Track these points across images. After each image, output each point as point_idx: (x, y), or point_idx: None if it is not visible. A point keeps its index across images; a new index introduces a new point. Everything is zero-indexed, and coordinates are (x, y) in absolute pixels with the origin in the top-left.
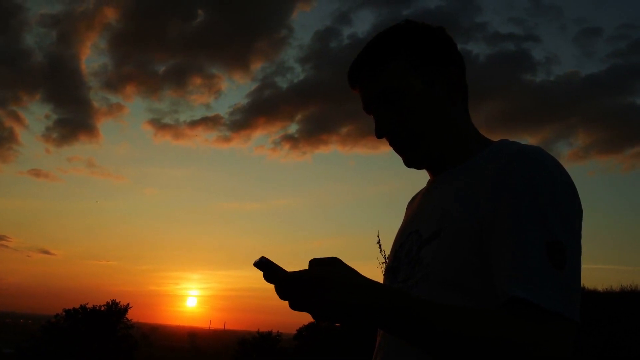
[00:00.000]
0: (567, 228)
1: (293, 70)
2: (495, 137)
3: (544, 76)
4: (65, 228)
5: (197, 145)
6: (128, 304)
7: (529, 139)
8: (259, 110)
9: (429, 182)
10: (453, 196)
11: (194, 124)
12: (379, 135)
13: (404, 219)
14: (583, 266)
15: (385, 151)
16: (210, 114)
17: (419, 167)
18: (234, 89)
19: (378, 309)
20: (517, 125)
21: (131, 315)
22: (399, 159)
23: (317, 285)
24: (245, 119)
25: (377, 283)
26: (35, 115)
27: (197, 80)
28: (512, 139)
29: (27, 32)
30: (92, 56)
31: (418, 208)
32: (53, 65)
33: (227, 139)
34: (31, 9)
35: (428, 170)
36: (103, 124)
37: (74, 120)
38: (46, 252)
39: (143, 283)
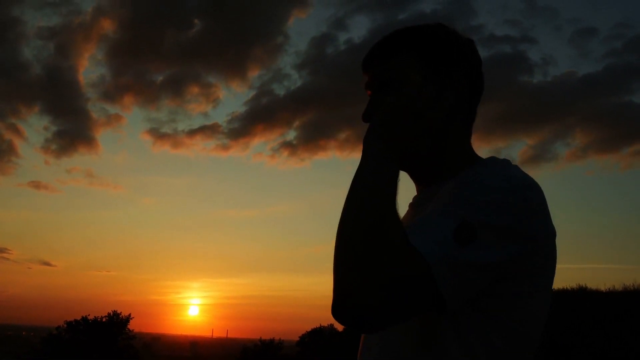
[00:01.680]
0: (495, 220)
1: (290, 77)
2: (492, 140)
3: (541, 77)
4: (65, 239)
5: (196, 153)
6: (129, 315)
7: (527, 140)
8: (257, 118)
9: (414, 197)
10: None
11: (192, 132)
12: (365, 118)
13: None
14: (585, 266)
15: None
16: (208, 122)
17: None
18: (232, 97)
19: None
20: (515, 127)
21: (133, 325)
22: None
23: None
24: (244, 126)
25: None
26: (34, 127)
27: (195, 89)
28: (510, 140)
29: (24, 45)
30: (90, 67)
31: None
32: (51, 77)
33: (225, 147)
34: (29, 22)
35: (411, 177)
36: (102, 135)
37: (73, 131)
38: (47, 263)
39: (144, 292)
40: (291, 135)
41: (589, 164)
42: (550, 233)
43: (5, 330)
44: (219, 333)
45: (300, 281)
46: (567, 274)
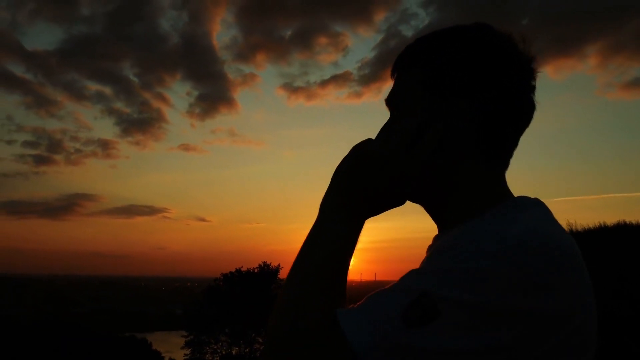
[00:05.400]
0: (468, 295)
1: (417, 16)
2: None
3: None
4: (216, 196)
5: (330, 103)
6: (279, 265)
7: None
8: (386, 62)
9: (434, 238)
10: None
11: (324, 83)
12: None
13: None
14: None
15: None
16: (339, 71)
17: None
18: (360, 43)
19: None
20: None
21: (284, 272)
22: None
23: None
24: (374, 72)
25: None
26: (178, 94)
27: (323, 40)
28: None
29: (161, 17)
30: (222, 31)
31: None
32: (188, 45)
33: (358, 94)
34: None
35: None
36: (239, 94)
37: (213, 94)
38: (202, 219)
39: (292, 241)
40: None
41: None
42: (574, 309)
43: (173, 282)
44: (367, 276)
45: None
46: None
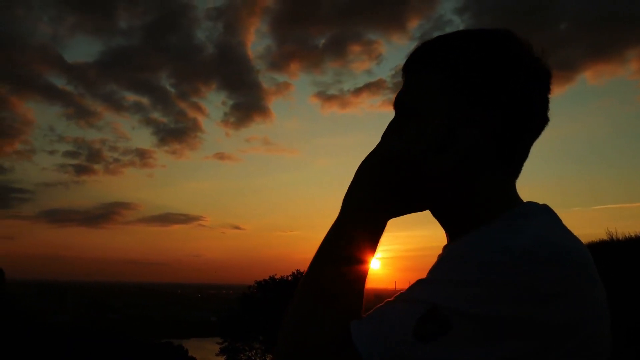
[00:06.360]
0: (481, 307)
1: (452, 22)
2: None
3: None
4: (250, 204)
5: (364, 111)
6: None
7: None
8: None
9: (444, 247)
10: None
11: (358, 91)
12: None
13: None
14: None
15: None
16: (373, 79)
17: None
18: (394, 51)
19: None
20: None
21: None
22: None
23: None
24: None
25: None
26: (213, 104)
27: (357, 48)
28: None
29: (197, 28)
30: (256, 40)
31: None
32: (223, 55)
33: (391, 102)
34: (198, 6)
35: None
36: (273, 103)
37: (248, 103)
38: (237, 227)
39: None
40: None
41: None
42: (585, 318)
43: (208, 289)
44: (401, 285)
45: None
46: None
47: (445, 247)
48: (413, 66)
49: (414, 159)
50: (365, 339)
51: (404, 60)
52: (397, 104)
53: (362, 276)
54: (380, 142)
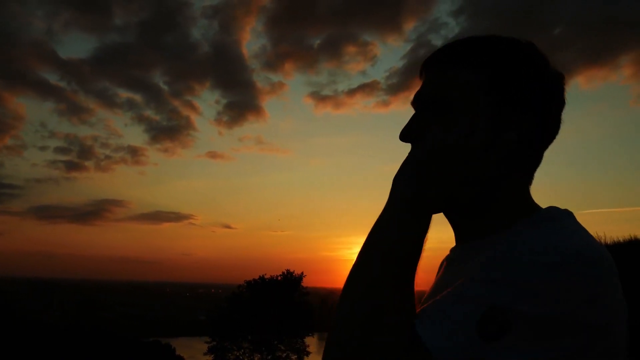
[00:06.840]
0: (535, 308)
1: (447, 25)
2: None
3: None
4: (242, 203)
5: (357, 112)
6: (302, 273)
7: None
8: (415, 71)
9: (452, 249)
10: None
11: (352, 92)
12: (403, 137)
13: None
14: None
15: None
16: (367, 80)
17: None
18: (389, 52)
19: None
20: None
21: (307, 281)
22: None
23: None
24: (403, 81)
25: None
26: (207, 102)
27: (352, 49)
28: None
29: (192, 26)
30: (251, 40)
31: (437, 284)
32: (218, 53)
33: (385, 103)
34: (195, 4)
35: (450, 222)
36: (267, 103)
37: (241, 102)
38: (228, 226)
39: (316, 249)
40: None
41: None
42: (618, 318)
43: (197, 288)
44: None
45: None
46: None
47: (453, 249)
48: (444, 63)
49: (466, 152)
50: (435, 338)
51: (429, 56)
52: (425, 99)
53: (414, 269)
54: (425, 135)
